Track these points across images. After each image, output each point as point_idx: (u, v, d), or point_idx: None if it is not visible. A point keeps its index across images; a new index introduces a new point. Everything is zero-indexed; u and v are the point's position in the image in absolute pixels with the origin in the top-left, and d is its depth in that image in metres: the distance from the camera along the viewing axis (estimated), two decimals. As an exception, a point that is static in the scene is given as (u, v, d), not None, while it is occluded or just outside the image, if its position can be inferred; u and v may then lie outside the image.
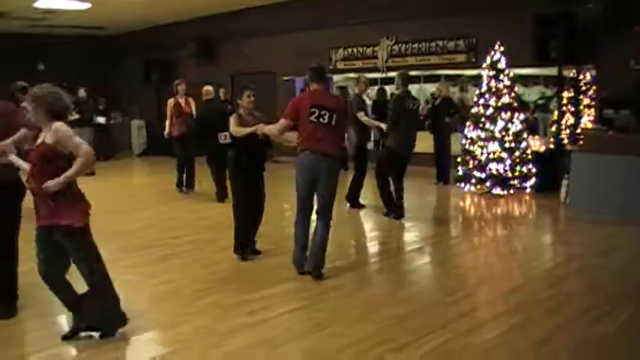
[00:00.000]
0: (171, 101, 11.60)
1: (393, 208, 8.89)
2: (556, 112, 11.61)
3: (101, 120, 16.40)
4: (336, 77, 15.22)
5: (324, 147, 6.08)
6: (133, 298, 5.53)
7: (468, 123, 11.08)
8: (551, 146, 11.41)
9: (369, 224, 8.97)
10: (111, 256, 7.08)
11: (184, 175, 11.55)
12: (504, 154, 10.60)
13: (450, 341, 4.59)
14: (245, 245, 6.92)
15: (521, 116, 10.81)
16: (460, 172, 11.16)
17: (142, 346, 4.64)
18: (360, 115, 9.29)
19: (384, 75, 14.32)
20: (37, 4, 14.20)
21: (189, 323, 4.96)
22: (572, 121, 11.53)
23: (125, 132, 19.25)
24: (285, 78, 16.74)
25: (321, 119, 6.08)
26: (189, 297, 5.65)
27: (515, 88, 10.98)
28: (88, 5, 14.86)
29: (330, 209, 6.27)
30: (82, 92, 14.95)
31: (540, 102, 12.71)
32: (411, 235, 8.41)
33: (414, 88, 13.36)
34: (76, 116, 13.89)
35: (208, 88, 11.40)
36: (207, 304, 5.42)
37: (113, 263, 6.75)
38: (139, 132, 19.52)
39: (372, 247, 7.29)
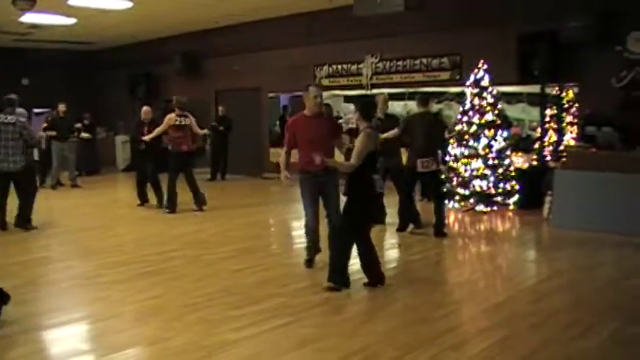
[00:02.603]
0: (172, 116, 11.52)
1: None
2: (539, 130, 11.71)
3: (85, 135, 16.34)
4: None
5: None
6: (115, 314, 5.52)
7: (451, 140, 11.13)
8: (534, 163, 11.49)
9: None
10: (93, 271, 7.11)
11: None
12: (488, 171, 10.66)
13: (438, 356, 4.59)
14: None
15: (505, 133, 10.88)
16: (444, 189, 11.19)
17: (126, 362, 4.59)
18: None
19: (368, 92, 14.38)
20: (22, 19, 14.18)
21: (174, 339, 4.92)
22: (555, 138, 11.64)
23: (110, 147, 19.19)
24: (271, 94, 16.78)
25: None
26: (174, 313, 5.60)
27: (499, 105, 11.05)
28: (73, 20, 14.88)
29: None
30: (61, 107, 14.90)
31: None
32: (396, 251, 8.44)
33: (398, 105, 13.55)
34: (52, 132, 13.95)
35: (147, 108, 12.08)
36: (193, 320, 5.38)
37: (95, 279, 6.79)
38: (123, 147, 19.46)
39: (357, 263, 7.27)
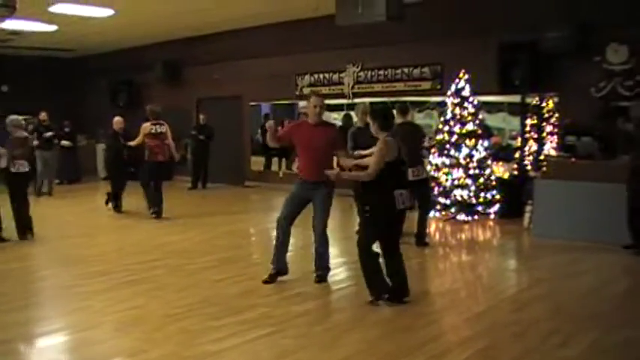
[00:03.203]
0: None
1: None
2: (519, 139, 11.79)
3: (66, 143, 16.22)
4: (302, 103, 15.25)
5: None
6: (95, 325, 5.46)
7: (432, 150, 11.15)
8: (515, 173, 11.56)
9: (335, 250, 8.94)
10: (73, 281, 7.04)
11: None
12: (469, 181, 10.71)
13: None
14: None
15: (486, 143, 10.93)
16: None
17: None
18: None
19: (349, 101, 14.41)
20: (2, 26, 14.06)
21: (154, 350, 4.87)
22: (535, 147, 11.73)
23: (91, 155, 19.03)
24: (252, 103, 16.76)
25: None
26: (155, 323, 5.55)
27: (481, 115, 11.11)
28: (54, 27, 14.77)
29: None
30: (43, 115, 14.80)
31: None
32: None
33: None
34: (35, 142, 13.86)
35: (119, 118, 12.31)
36: (174, 331, 5.33)
37: (75, 289, 6.72)
38: (104, 155, 19.30)
39: (339, 273, 7.27)
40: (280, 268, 6.98)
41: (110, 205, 12.09)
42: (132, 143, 11.44)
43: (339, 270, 7.40)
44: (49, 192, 14.29)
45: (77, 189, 14.94)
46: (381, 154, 5.93)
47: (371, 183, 5.99)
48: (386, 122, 6.21)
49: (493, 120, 12.29)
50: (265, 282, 6.87)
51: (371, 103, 11.53)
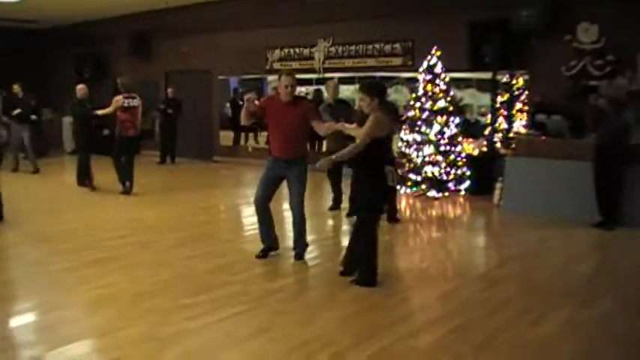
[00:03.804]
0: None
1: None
2: (489, 116, 11.84)
3: (31, 117, 15.88)
4: (270, 77, 15.14)
5: None
6: (66, 304, 5.37)
7: (404, 126, 11.14)
8: (484, 150, 11.62)
9: (307, 226, 8.93)
10: (43, 259, 6.92)
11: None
12: (440, 157, 10.74)
13: (394, 344, 4.58)
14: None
15: (457, 120, 10.95)
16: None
17: (78, 355, 4.43)
18: None
19: (320, 76, 14.34)
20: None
21: (127, 329, 4.80)
22: (505, 125, 11.79)
23: (56, 129, 18.68)
24: (221, 77, 16.58)
25: None
26: (127, 302, 5.47)
27: (452, 92, 11.12)
28: (17, -2, 14.43)
29: None
30: (16, 88, 14.48)
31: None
32: (348, 237, 8.41)
33: (349, 89, 13.55)
34: (17, 111, 13.60)
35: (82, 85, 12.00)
36: (147, 309, 5.26)
37: (45, 267, 6.60)
38: (70, 129, 18.98)
39: (312, 251, 7.25)
40: (270, 245, 7.00)
41: (88, 183, 11.72)
42: (100, 112, 11.15)
43: (311, 247, 7.38)
44: (35, 169, 14.06)
45: (42, 164, 14.61)
46: (370, 130, 5.80)
47: (361, 160, 5.88)
48: (384, 99, 6.11)
49: (461, 96, 12.33)
50: (258, 257, 6.90)
51: (340, 79, 11.42)
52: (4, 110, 13.90)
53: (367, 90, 5.99)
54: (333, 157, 6.10)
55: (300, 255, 6.93)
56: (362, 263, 6.03)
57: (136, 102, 11.02)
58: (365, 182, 5.98)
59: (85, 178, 11.79)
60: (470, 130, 11.99)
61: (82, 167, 11.82)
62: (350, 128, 6.39)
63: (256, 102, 6.75)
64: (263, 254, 6.94)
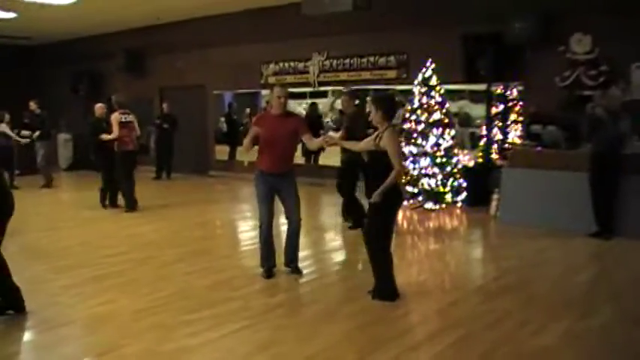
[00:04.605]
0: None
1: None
2: (484, 128, 11.89)
3: (26, 133, 15.88)
4: (265, 92, 15.19)
5: None
6: (66, 322, 5.36)
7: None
8: (480, 161, 11.66)
9: (306, 240, 8.92)
10: (42, 276, 6.90)
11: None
12: (436, 169, 10.77)
13: (398, 358, 4.59)
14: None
15: (452, 132, 11.00)
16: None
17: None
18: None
19: (314, 89, 14.40)
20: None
21: (129, 347, 4.80)
22: (500, 136, 11.84)
23: (52, 146, 18.62)
24: (216, 92, 16.62)
25: None
26: (128, 319, 5.47)
27: (447, 105, 11.17)
28: (13, 15, 14.45)
29: None
30: (32, 105, 14.58)
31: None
32: (347, 250, 8.45)
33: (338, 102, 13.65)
34: (37, 133, 13.76)
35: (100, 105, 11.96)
36: (147, 326, 5.26)
37: (44, 284, 6.58)
38: (65, 146, 19.04)
39: (312, 264, 7.26)
40: (273, 264, 6.94)
41: (107, 202, 11.56)
42: (106, 137, 11.06)
43: (310, 262, 7.38)
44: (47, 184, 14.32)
45: (37, 180, 14.60)
46: (396, 145, 5.82)
47: (383, 173, 5.77)
48: (391, 112, 6.05)
49: (455, 107, 12.38)
50: (266, 277, 6.79)
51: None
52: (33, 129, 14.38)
53: (375, 102, 5.98)
54: (382, 189, 5.78)
55: (298, 268, 6.93)
56: (379, 278, 6.05)
57: (131, 117, 11.12)
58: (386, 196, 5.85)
59: (109, 197, 11.61)
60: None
61: (109, 187, 11.58)
62: (347, 143, 6.45)
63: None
64: (269, 274, 6.85)
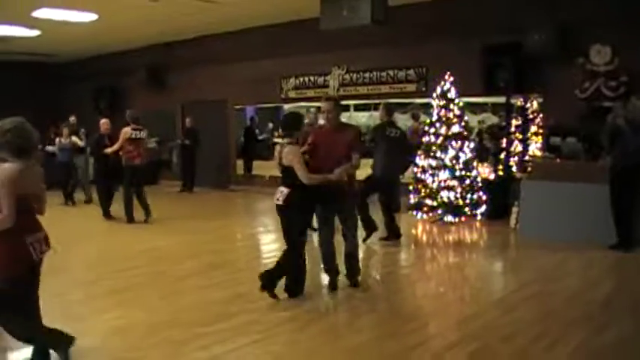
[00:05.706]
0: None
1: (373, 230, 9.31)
2: (504, 140, 11.83)
3: (51, 148, 16.07)
4: (287, 106, 15.27)
5: None
6: (82, 335, 5.37)
7: (419, 152, 11.14)
8: (500, 173, 11.59)
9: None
10: (57, 290, 6.92)
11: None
12: (455, 182, 10.72)
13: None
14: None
15: (472, 144, 10.96)
16: (412, 200, 11.20)
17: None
18: None
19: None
20: (-16, 31, 13.99)
21: (140, 360, 4.83)
22: (520, 148, 11.78)
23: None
24: (237, 106, 16.72)
25: None
26: (141, 332, 5.49)
27: (466, 117, 11.13)
28: (37, 32, 14.68)
29: None
30: (73, 119, 14.86)
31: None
32: (365, 263, 8.41)
33: (364, 117, 13.66)
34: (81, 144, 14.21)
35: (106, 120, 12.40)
36: (161, 340, 5.28)
37: (60, 298, 6.61)
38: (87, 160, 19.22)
39: (326, 277, 7.25)
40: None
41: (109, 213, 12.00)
42: (109, 150, 11.37)
43: (324, 275, 7.37)
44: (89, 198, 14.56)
45: (57, 194, 14.73)
46: (298, 157, 6.26)
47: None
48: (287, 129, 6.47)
49: (474, 120, 12.35)
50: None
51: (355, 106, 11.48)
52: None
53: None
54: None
55: (357, 282, 6.99)
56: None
57: (143, 134, 11.40)
58: None
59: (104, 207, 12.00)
60: (484, 154, 12.00)
61: (104, 199, 12.04)
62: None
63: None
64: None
